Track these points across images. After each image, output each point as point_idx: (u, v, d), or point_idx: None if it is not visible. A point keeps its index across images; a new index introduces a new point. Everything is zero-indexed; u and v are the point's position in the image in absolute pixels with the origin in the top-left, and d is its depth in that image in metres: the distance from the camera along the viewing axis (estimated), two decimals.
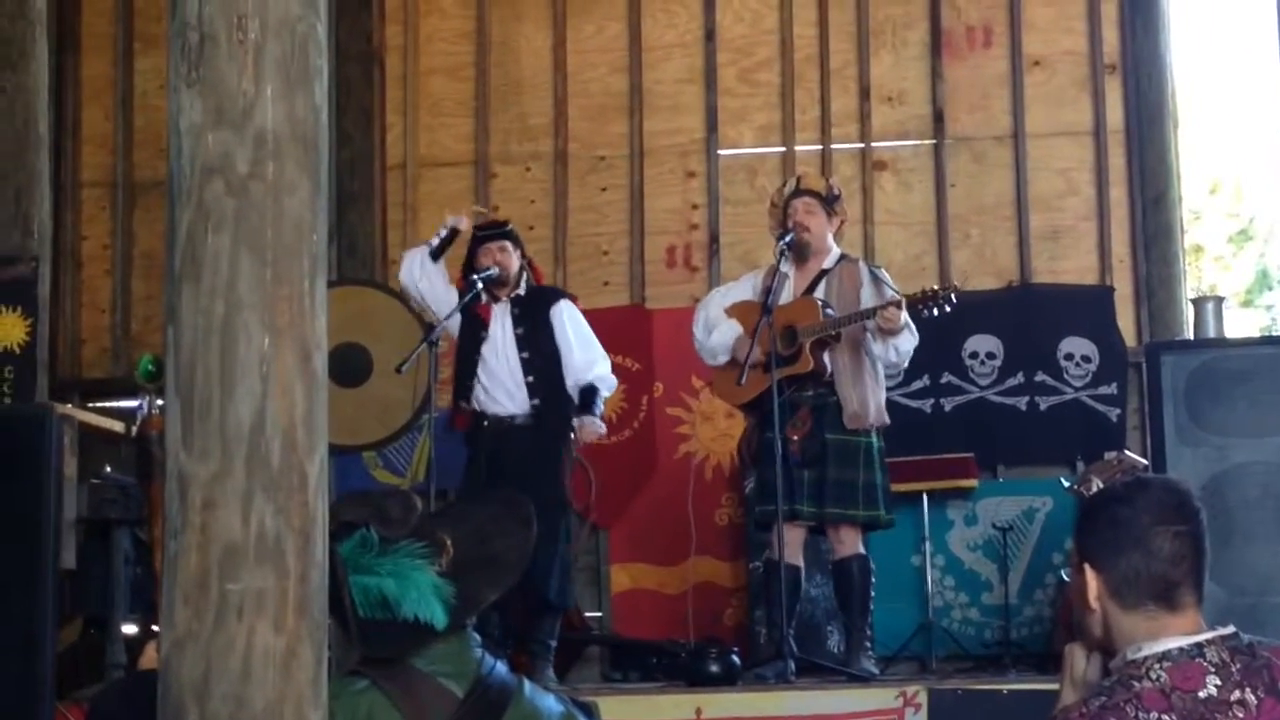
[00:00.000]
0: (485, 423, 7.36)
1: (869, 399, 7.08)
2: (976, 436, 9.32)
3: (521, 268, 7.55)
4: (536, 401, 7.31)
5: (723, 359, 7.33)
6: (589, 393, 7.41)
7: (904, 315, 6.87)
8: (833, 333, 7.01)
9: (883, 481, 7.13)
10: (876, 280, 7.20)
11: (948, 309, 6.89)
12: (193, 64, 2.84)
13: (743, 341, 7.15)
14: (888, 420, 7.21)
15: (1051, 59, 10.06)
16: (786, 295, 7.19)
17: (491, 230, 7.69)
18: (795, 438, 6.99)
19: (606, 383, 7.52)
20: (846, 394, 7.05)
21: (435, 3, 10.41)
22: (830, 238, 7.32)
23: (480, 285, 7.39)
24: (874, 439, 7.11)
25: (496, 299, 7.48)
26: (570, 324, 7.46)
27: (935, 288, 6.96)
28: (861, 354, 7.10)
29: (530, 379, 7.33)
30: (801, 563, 7.22)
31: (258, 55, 2.84)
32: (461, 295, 7.43)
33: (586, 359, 7.45)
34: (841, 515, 7.04)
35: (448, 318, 7.40)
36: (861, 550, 7.12)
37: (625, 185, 10.16)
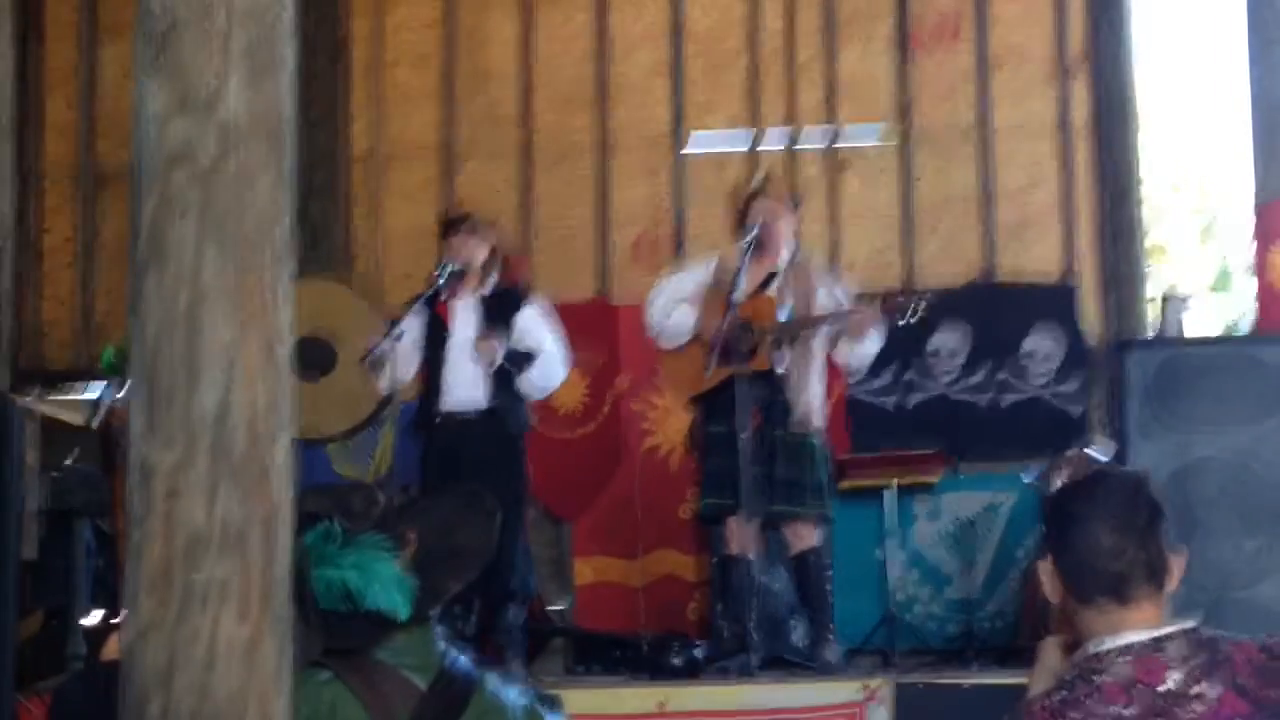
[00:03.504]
0: (438, 419, 7.32)
1: (814, 403, 7.18)
2: (939, 432, 9.34)
3: (488, 262, 7.50)
4: (496, 401, 7.29)
5: (686, 338, 7.31)
6: (527, 358, 7.34)
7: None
8: (790, 335, 7.05)
9: (828, 480, 7.23)
10: (831, 285, 7.27)
11: (913, 321, 6.95)
12: (157, 52, 2.83)
13: (707, 327, 7.16)
14: (825, 421, 7.29)
15: (1018, 54, 10.09)
16: (739, 289, 7.20)
17: (455, 222, 7.68)
18: (743, 435, 7.00)
19: (550, 378, 7.43)
20: (795, 397, 7.10)
21: None
22: (786, 238, 7.37)
23: (443, 279, 7.37)
24: (817, 438, 7.18)
25: (457, 294, 7.44)
26: (541, 331, 7.40)
27: (905, 300, 7.01)
28: (810, 356, 7.14)
29: (491, 377, 7.31)
30: (754, 555, 7.23)
31: (224, 44, 2.83)
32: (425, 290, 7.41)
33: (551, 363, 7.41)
34: (787, 513, 7.08)
35: (410, 311, 7.36)
36: (816, 543, 7.16)
37: (591, 177, 10.15)
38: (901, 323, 6.96)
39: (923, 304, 6.94)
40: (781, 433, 7.07)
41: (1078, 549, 2.77)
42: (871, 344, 7.06)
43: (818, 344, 7.19)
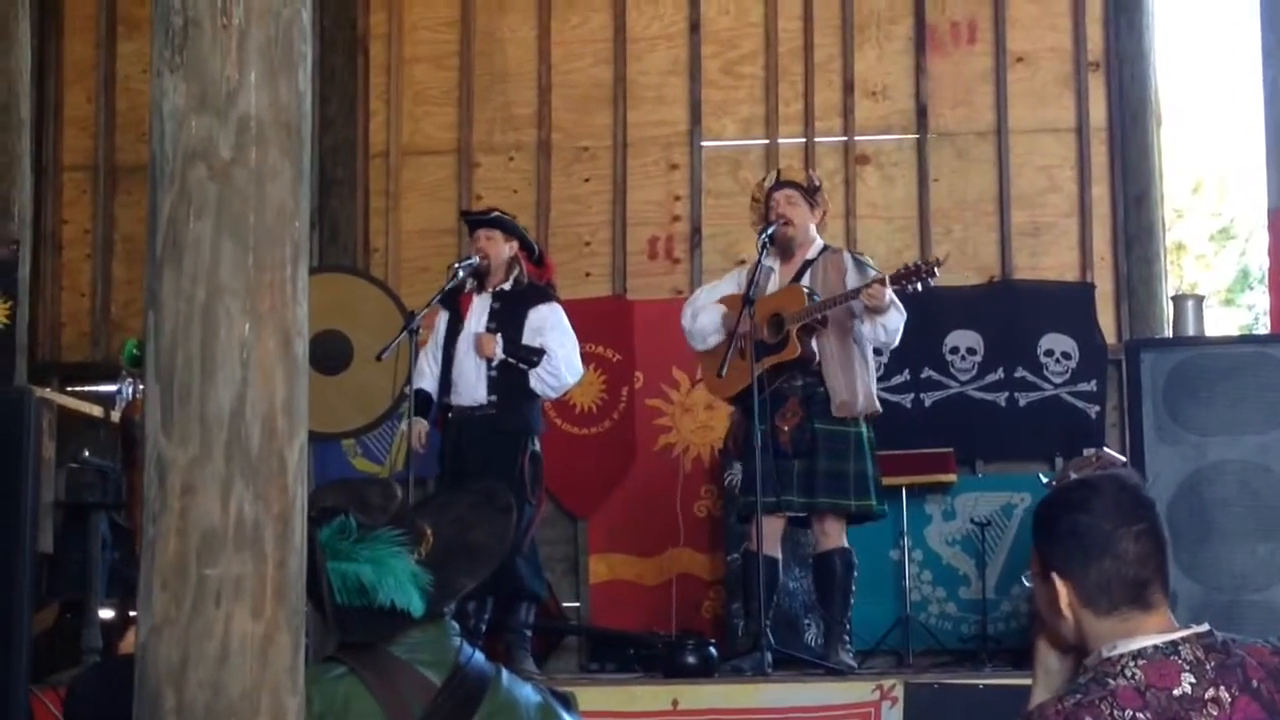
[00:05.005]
0: (450, 414, 7.38)
1: (858, 386, 7.07)
2: (956, 432, 9.34)
3: (514, 260, 7.50)
4: (494, 398, 7.30)
5: (714, 340, 7.29)
6: (538, 352, 7.33)
7: (889, 292, 6.86)
8: (819, 317, 7.00)
9: (874, 472, 7.13)
10: (860, 265, 7.19)
11: (931, 283, 6.89)
12: (176, 48, 2.83)
13: (729, 316, 7.15)
14: (879, 408, 7.23)
15: (1035, 55, 10.08)
16: (772, 288, 7.19)
17: (477, 218, 7.71)
18: (785, 428, 6.99)
19: (559, 375, 7.39)
20: (835, 382, 7.04)
21: None
22: (813, 229, 7.33)
23: (460, 274, 7.41)
24: (864, 429, 7.11)
25: (483, 289, 7.49)
26: (551, 330, 7.40)
27: (918, 262, 6.96)
28: (850, 341, 7.09)
29: (492, 374, 7.32)
30: (779, 555, 7.22)
31: (241, 40, 2.83)
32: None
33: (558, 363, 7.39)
34: (832, 505, 7.04)
35: (428, 304, 7.42)
36: (845, 544, 7.12)
37: (608, 176, 10.16)
38: (918, 288, 6.90)
39: (936, 267, 6.89)
40: (823, 425, 7.04)
41: (1102, 563, 2.73)
42: (894, 316, 6.97)
43: (857, 327, 7.12)
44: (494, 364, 7.30)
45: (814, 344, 7.04)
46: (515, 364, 7.28)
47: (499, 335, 7.31)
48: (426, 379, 7.49)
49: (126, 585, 6.52)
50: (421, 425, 7.43)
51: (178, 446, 2.75)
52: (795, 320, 6.99)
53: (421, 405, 7.45)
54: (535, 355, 7.29)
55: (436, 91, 10.33)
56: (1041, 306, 9.71)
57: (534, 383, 7.31)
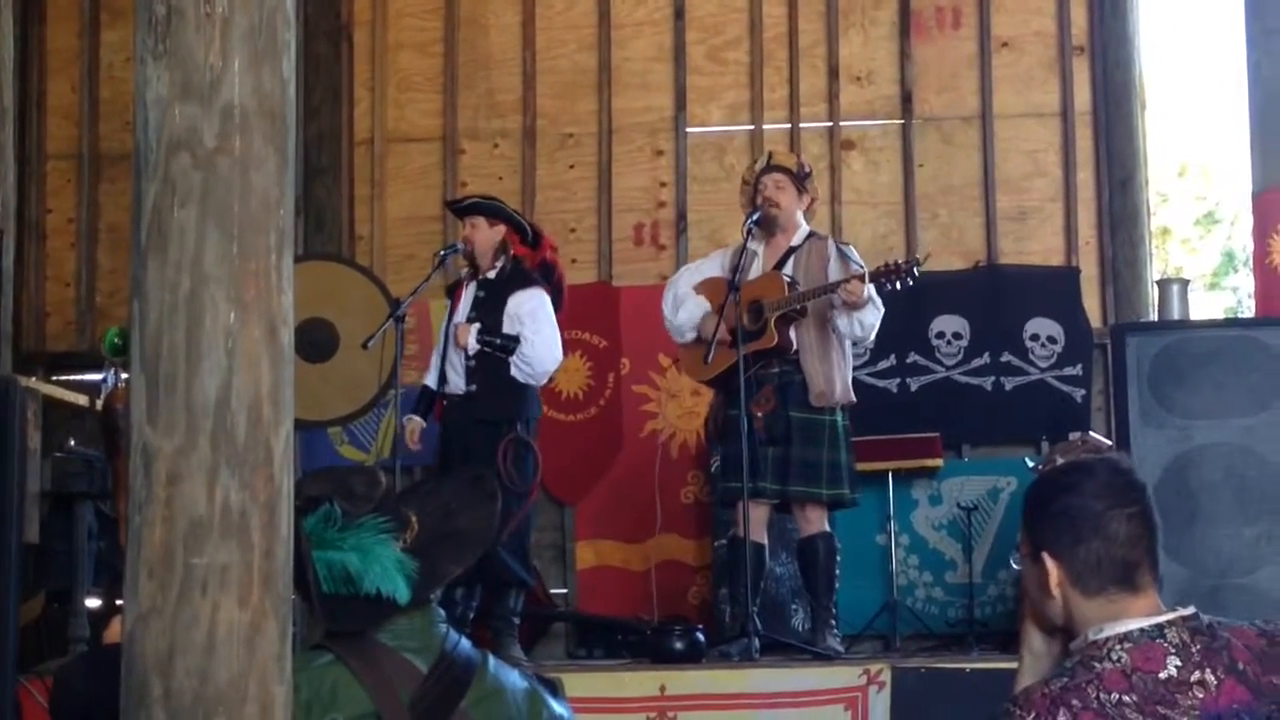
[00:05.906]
0: (445, 402, 7.40)
1: (835, 376, 7.08)
2: (942, 416, 9.35)
3: (502, 244, 7.48)
4: (474, 386, 7.31)
5: (689, 336, 7.33)
6: (513, 339, 7.31)
7: (868, 289, 6.86)
8: (798, 307, 7.00)
9: (848, 460, 7.13)
10: (843, 256, 7.19)
11: (910, 283, 6.88)
12: (159, 36, 2.83)
13: (709, 318, 7.16)
14: (854, 399, 7.23)
15: (1020, 40, 10.08)
16: (755, 272, 7.20)
17: (459, 205, 7.71)
18: (759, 414, 6.99)
19: (533, 363, 7.33)
20: (812, 371, 7.05)
21: None
22: (800, 215, 7.33)
23: (446, 261, 7.42)
24: (840, 417, 7.12)
25: (476, 276, 7.49)
26: (528, 318, 7.38)
27: (899, 261, 6.95)
28: (829, 331, 7.09)
29: (470, 363, 7.32)
30: (765, 540, 7.22)
31: (225, 28, 2.83)
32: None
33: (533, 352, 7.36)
34: (805, 494, 7.05)
35: (414, 292, 7.42)
36: (827, 529, 7.14)
37: (593, 163, 10.15)
38: (897, 287, 6.90)
39: (916, 267, 6.89)
40: (797, 412, 7.04)
41: (1092, 543, 2.74)
42: (871, 313, 6.98)
43: (834, 319, 7.11)
44: (470, 353, 7.30)
45: (792, 333, 7.05)
46: (492, 352, 7.28)
47: (475, 325, 7.31)
48: (430, 374, 7.53)
49: (113, 574, 6.51)
50: (415, 422, 7.45)
51: (163, 435, 2.75)
52: (774, 309, 7.00)
53: (428, 402, 7.49)
54: (511, 343, 7.27)
55: (421, 78, 10.31)
56: (1027, 291, 9.72)
57: (513, 370, 7.30)
